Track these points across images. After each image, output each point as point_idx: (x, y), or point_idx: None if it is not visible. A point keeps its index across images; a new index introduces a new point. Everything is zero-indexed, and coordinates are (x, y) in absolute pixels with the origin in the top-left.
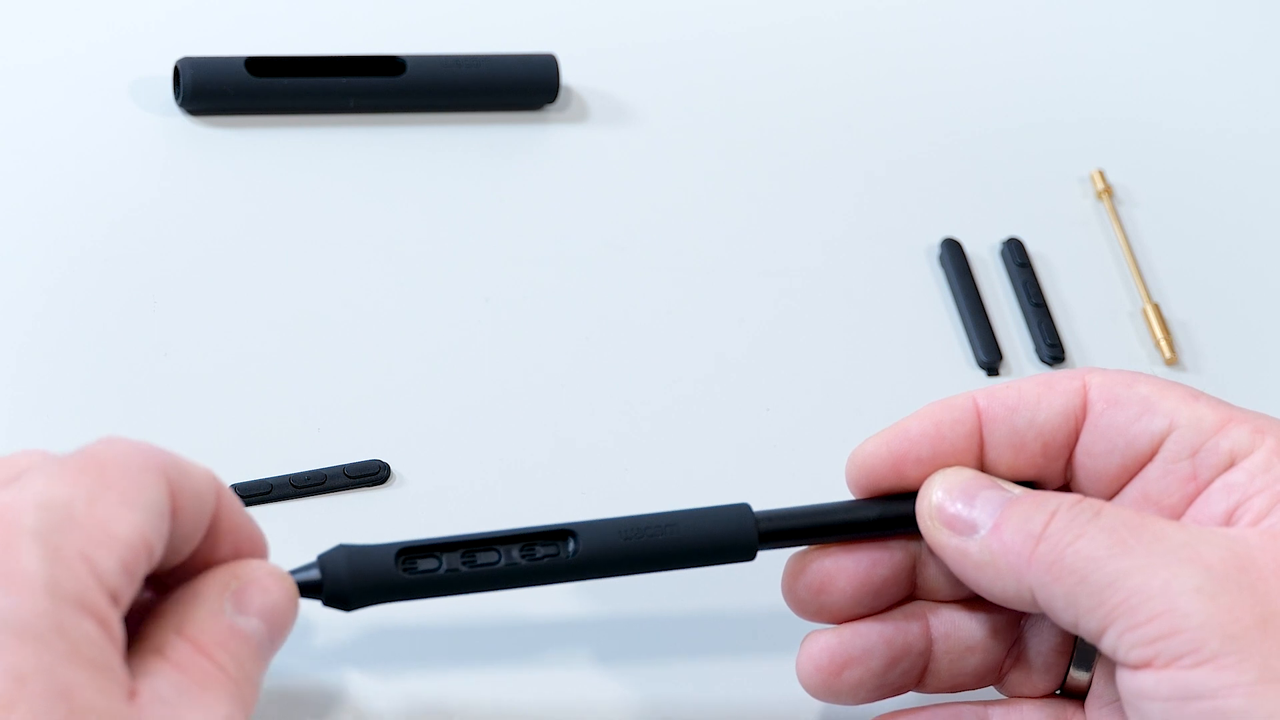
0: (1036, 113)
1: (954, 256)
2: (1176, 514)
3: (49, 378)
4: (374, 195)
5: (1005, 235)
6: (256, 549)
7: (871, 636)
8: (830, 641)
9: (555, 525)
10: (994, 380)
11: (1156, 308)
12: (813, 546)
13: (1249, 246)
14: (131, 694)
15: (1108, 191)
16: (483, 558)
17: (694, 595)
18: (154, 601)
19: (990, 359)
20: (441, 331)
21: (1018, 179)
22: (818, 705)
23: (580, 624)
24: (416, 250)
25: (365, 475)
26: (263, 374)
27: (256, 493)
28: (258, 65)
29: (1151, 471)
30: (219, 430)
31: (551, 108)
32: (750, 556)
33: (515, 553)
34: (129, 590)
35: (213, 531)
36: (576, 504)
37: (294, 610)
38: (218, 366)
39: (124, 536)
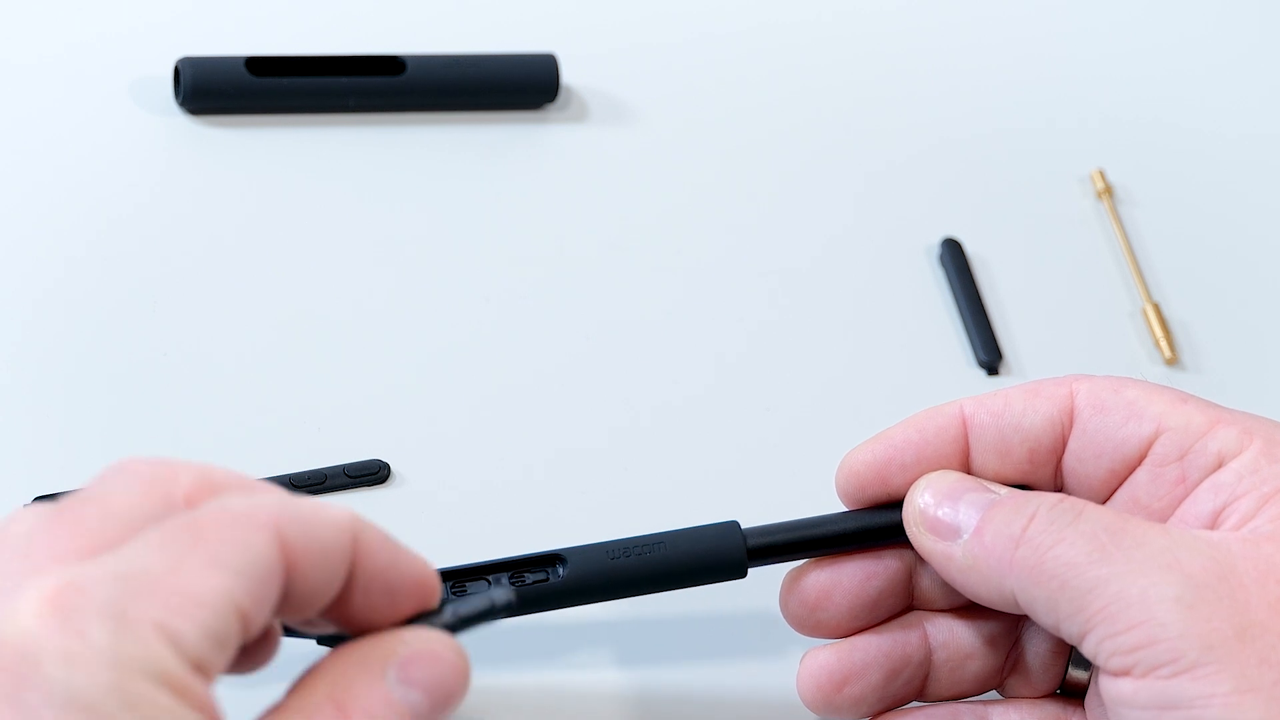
0: (1036, 113)
1: (954, 256)
2: (1165, 517)
3: (48, 377)
4: (374, 195)
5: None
6: (419, 591)
7: (870, 651)
8: (829, 659)
9: (543, 551)
10: (994, 379)
11: (1156, 307)
12: (806, 561)
13: (1249, 246)
14: None
15: (1108, 191)
16: (472, 587)
17: (693, 600)
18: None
19: (990, 359)
20: (441, 331)
21: (1018, 179)
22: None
23: (580, 629)
24: (416, 250)
25: (365, 475)
26: (262, 374)
27: None
28: (258, 65)
29: (1140, 476)
30: (219, 430)
31: (551, 107)
32: (741, 574)
33: (505, 580)
34: (218, 658)
35: (358, 579)
36: (576, 503)
37: (462, 687)
38: (217, 366)
39: (209, 601)
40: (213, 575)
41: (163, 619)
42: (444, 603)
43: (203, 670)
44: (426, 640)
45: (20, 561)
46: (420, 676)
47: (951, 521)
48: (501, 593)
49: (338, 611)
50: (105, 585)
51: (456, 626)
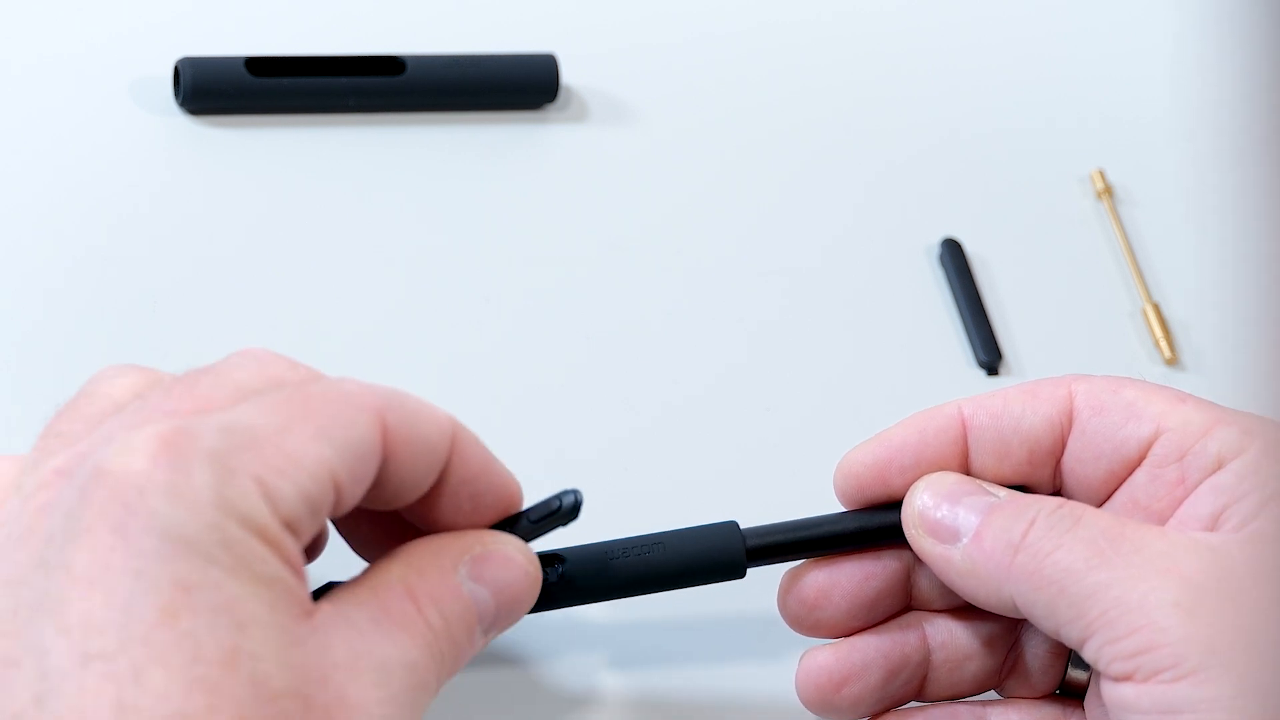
0: (1036, 113)
1: (954, 256)
2: (1164, 518)
3: (48, 378)
4: (374, 195)
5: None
6: (502, 503)
7: (868, 651)
8: (827, 659)
9: (542, 551)
10: (994, 379)
11: (1156, 308)
12: (805, 561)
13: (1249, 246)
14: (308, 614)
15: (1108, 191)
16: None
17: (692, 600)
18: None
19: (990, 359)
20: (441, 331)
21: (1018, 179)
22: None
23: (578, 629)
24: (416, 250)
25: None
26: None
27: None
28: (258, 65)
29: (1140, 477)
30: None
31: (551, 108)
32: (740, 574)
33: (574, 492)
34: (309, 522)
35: (448, 481)
36: None
37: (530, 594)
38: None
39: (309, 467)
40: (315, 443)
41: (263, 474)
42: (519, 515)
43: (294, 530)
44: (503, 543)
45: (137, 412)
46: (491, 576)
47: (951, 524)
48: (569, 496)
49: (424, 509)
50: (214, 435)
51: (531, 535)
